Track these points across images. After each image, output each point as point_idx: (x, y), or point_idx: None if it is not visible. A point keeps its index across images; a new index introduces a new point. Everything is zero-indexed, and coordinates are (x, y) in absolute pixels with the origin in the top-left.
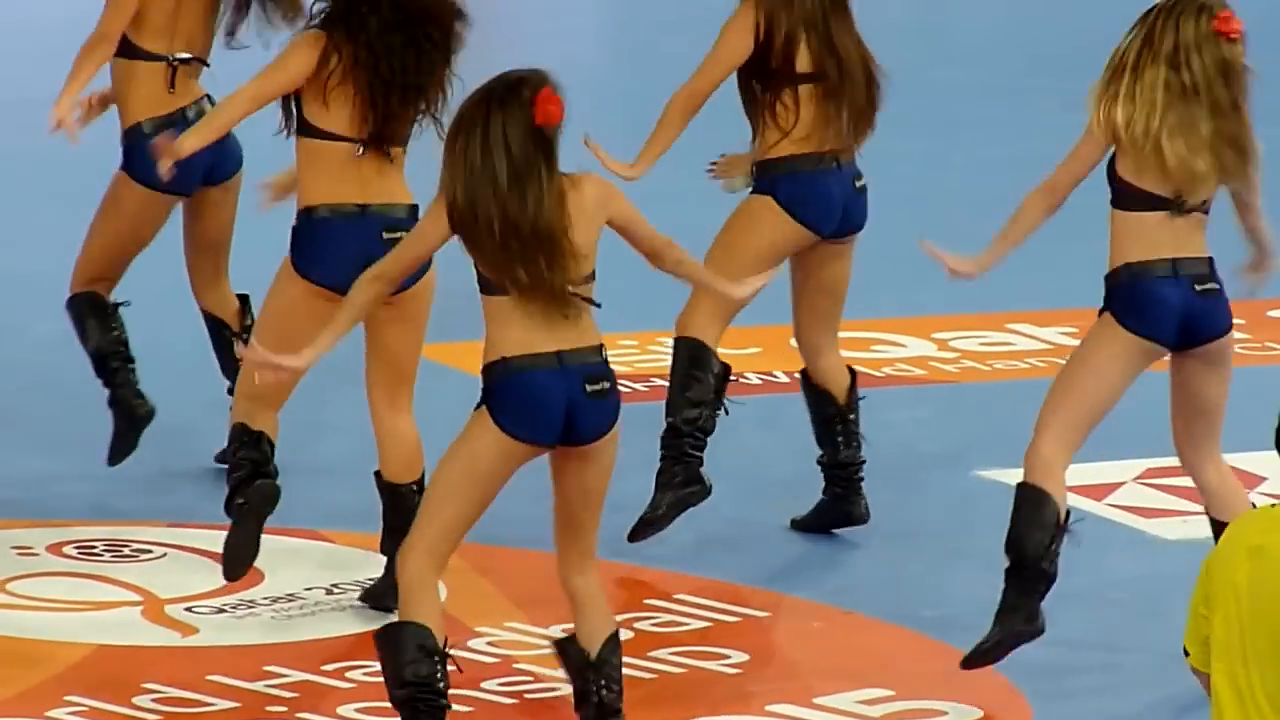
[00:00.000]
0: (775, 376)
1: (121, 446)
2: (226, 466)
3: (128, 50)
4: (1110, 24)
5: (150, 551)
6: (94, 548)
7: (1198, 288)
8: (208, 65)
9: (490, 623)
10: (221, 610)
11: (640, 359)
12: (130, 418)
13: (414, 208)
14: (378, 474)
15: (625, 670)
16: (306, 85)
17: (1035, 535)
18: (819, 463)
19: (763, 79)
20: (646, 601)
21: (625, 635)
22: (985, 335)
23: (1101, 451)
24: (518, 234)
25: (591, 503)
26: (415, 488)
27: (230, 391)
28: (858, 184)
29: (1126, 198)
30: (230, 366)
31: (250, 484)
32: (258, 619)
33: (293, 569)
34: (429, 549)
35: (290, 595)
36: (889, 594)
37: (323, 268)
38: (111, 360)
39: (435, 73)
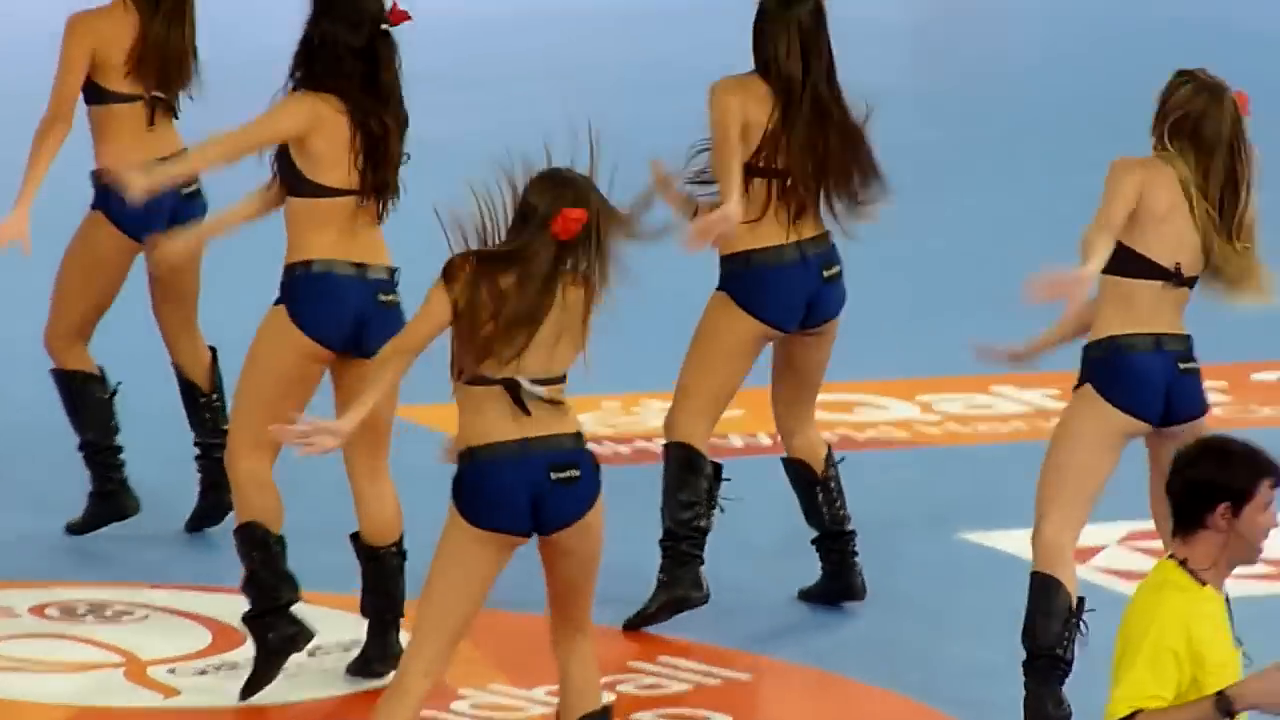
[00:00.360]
0: (758, 439)
1: (90, 524)
2: (242, 562)
3: (99, 96)
4: (1095, 90)
5: (132, 613)
6: (76, 609)
7: (1181, 365)
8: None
9: (473, 684)
10: (203, 672)
11: (624, 420)
12: (116, 513)
13: (394, 270)
14: (355, 536)
15: None
16: (298, 144)
17: (1049, 624)
18: (812, 542)
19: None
20: (630, 664)
21: (607, 698)
22: (969, 397)
23: None
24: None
25: (575, 590)
26: (395, 549)
27: (200, 445)
28: (827, 274)
29: (1126, 263)
30: (200, 424)
31: (282, 622)
32: (240, 681)
33: None
34: (429, 670)
35: None
36: (873, 657)
37: (323, 323)
38: (104, 453)
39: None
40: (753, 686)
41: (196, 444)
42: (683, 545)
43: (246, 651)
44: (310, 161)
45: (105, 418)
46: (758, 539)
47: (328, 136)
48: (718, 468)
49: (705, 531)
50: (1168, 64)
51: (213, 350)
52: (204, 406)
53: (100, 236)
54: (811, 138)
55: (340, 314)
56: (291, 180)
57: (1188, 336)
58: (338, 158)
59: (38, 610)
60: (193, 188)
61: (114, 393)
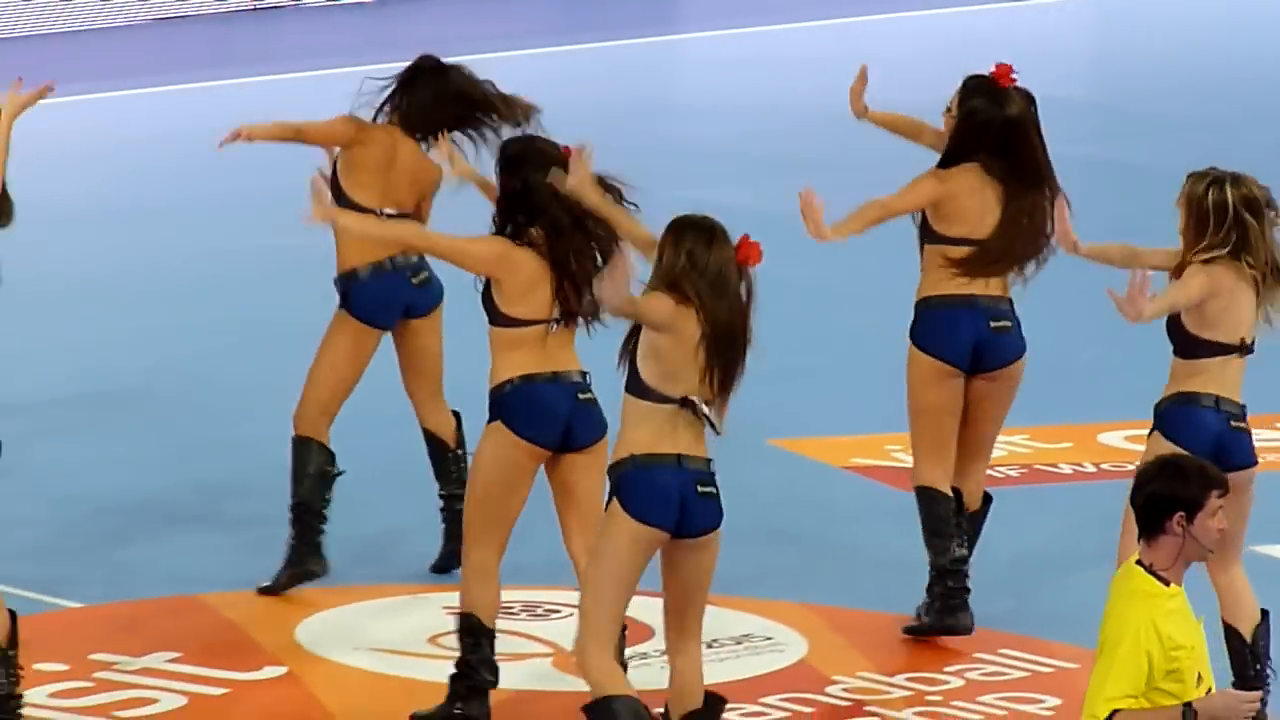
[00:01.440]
0: (1084, 467)
1: (284, 584)
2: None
3: (340, 199)
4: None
5: (559, 611)
6: (512, 608)
7: (1233, 423)
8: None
9: (844, 672)
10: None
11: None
12: (304, 573)
13: (584, 373)
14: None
15: (958, 712)
16: (501, 283)
17: None
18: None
19: (923, 233)
20: (975, 655)
21: (957, 684)
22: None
23: None
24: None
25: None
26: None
27: (444, 497)
28: (993, 325)
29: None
30: (443, 475)
31: (475, 703)
32: (650, 668)
33: None
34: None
35: None
36: None
37: (536, 428)
38: (310, 516)
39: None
40: (1079, 674)
41: (441, 495)
42: (947, 583)
43: (656, 644)
44: (509, 298)
45: (328, 486)
46: (1081, 554)
47: (528, 275)
48: (956, 497)
49: (965, 560)
50: None
51: (457, 415)
52: (451, 461)
53: (344, 329)
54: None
55: (549, 418)
56: (490, 312)
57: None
58: (536, 292)
59: None
60: (424, 275)
61: (339, 473)
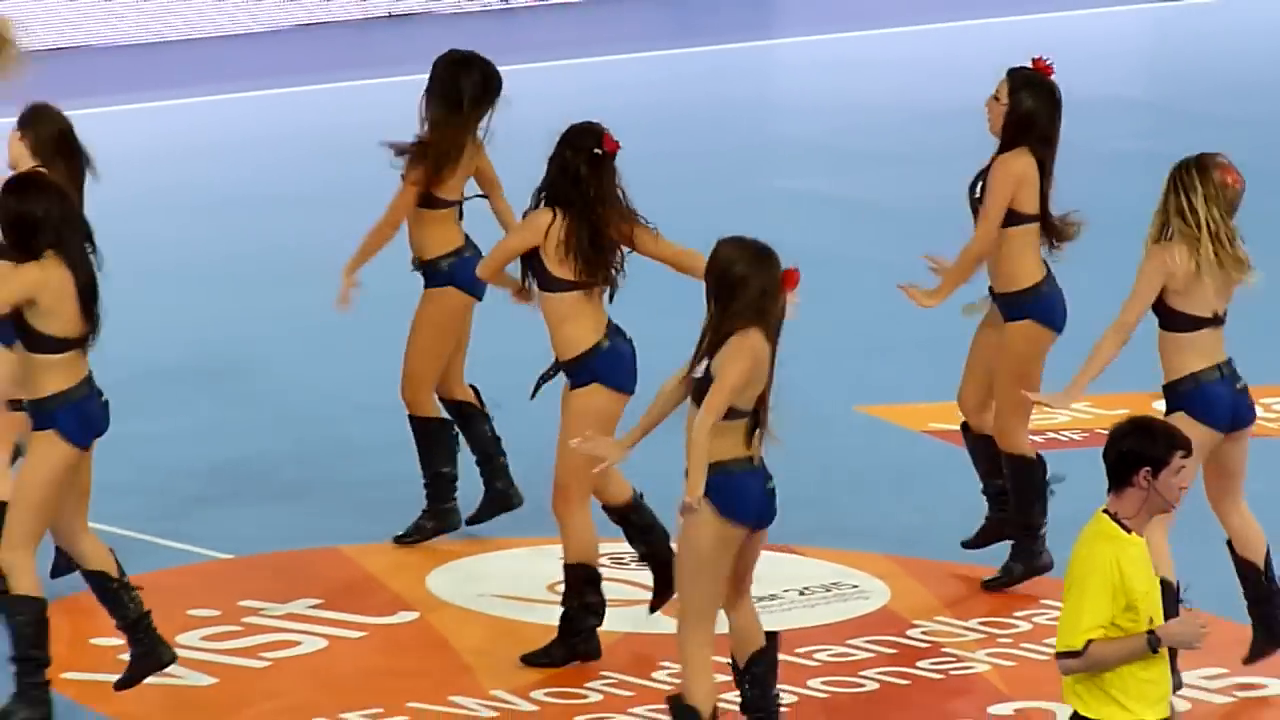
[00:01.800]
0: None
1: (421, 536)
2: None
3: (424, 202)
4: None
5: None
6: (623, 558)
7: (1237, 385)
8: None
9: (923, 617)
10: None
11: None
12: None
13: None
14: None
15: (1026, 653)
16: (543, 247)
17: None
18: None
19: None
20: (1042, 601)
21: (1025, 627)
22: None
23: None
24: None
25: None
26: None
27: (478, 461)
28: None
29: (1179, 321)
30: (477, 440)
31: (587, 637)
32: (770, 616)
33: (772, 576)
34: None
35: (771, 595)
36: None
37: (629, 377)
38: (442, 483)
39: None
40: None
41: (479, 461)
42: (1030, 536)
43: (753, 591)
44: (553, 265)
45: (487, 424)
46: None
47: (563, 239)
48: (1040, 461)
49: (1044, 516)
50: None
51: (474, 387)
52: (482, 420)
53: (446, 303)
54: None
55: (633, 368)
56: (541, 278)
57: (1230, 359)
58: (570, 257)
59: None
60: (471, 254)
61: (457, 433)
